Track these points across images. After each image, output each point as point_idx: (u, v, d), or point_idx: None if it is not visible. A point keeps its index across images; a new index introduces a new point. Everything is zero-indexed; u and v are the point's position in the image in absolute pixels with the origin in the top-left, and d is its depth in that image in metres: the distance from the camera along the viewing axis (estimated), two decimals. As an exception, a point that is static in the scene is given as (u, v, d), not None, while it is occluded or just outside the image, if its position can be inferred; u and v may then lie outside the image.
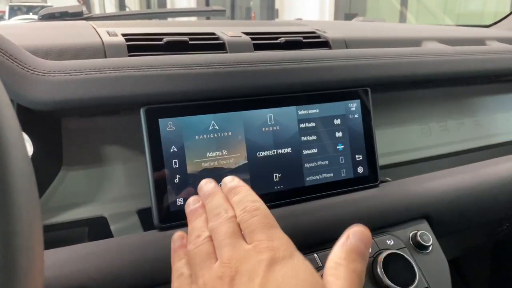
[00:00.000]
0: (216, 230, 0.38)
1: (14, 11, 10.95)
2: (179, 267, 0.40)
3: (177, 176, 0.51)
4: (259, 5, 8.02)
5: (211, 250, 0.37)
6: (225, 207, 0.40)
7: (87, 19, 0.88)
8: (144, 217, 0.57)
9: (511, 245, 1.05)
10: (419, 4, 6.18)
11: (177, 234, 0.43)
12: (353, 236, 0.36)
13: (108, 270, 0.45)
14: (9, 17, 10.08)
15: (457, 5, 5.96)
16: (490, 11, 5.27)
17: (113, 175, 0.58)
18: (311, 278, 0.33)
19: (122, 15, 0.91)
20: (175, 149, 0.51)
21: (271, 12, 7.87)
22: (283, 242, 0.35)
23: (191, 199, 0.44)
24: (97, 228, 0.56)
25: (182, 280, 0.38)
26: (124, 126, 0.57)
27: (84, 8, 0.93)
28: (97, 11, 10.82)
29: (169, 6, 10.79)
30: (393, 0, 6.34)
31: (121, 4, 10.20)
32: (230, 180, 0.43)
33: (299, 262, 0.34)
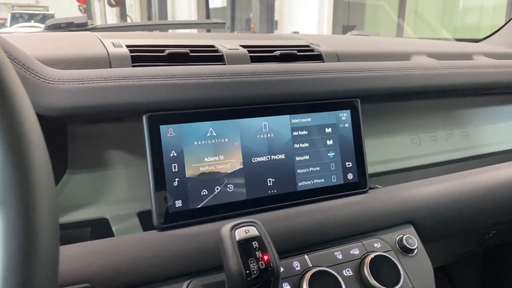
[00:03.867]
0: None
1: (16, 18, 11.03)
2: None
3: (176, 179, 0.54)
4: (259, 17, 8.10)
5: None
6: None
7: (91, 30, 0.91)
8: (144, 219, 0.60)
9: (500, 252, 1.08)
10: (416, 17, 6.26)
11: None
12: None
13: (109, 267, 0.48)
14: (11, 24, 10.15)
15: (454, 18, 6.03)
16: (487, 24, 5.34)
17: (116, 179, 0.61)
18: None
19: (125, 26, 0.95)
20: (175, 154, 0.54)
21: (270, 24, 7.95)
22: None
23: None
24: (100, 229, 0.59)
25: None
26: (127, 132, 0.60)
27: (88, 20, 0.96)
28: (98, 20, 10.91)
29: (170, 17, 10.88)
30: (391, 13, 6.41)
31: (122, 14, 10.29)
32: None
33: None
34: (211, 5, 10.27)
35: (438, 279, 1.26)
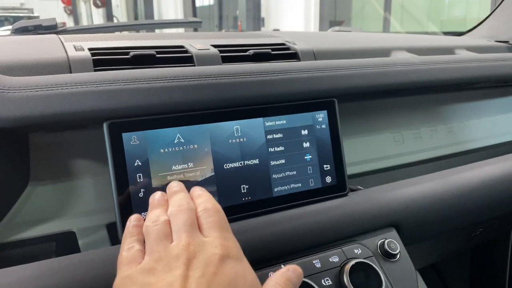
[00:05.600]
0: (176, 215, 0.41)
1: (1, 21, 10.86)
2: (130, 241, 0.41)
3: (142, 190, 0.51)
4: (245, 15, 8.06)
5: (169, 231, 0.40)
6: (188, 200, 0.43)
7: (60, 32, 0.87)
8: (113, 231, 0.57)
9: (488, 248, 1.06)
10: (403, 11, 6.27)
11: (134, 215, 0.45)
12: (292, 270, 0.42)
13: (70, 286, 0.45)
14: (-4, 28, 10.00)
15: (440, 11, 6.06)
16: (473, 17, 5.37)
17: (82, 189, 0.57)
18: (256, 283, 0.38)
19: (97, 28, 0.91)
20: (140, 163, 0.51)
21: (257, 21, 7.92)
22: (235, 245, 0.40)
23: (158, 192, 0.46)
24: (65, 243, 0.56)
25: (133, 252, 0.40)
26: (92, 140, 0.57)
27: (58, 21, 0.93)
28: (84, 21, 10.78)
29: (156, 17, 10.79)
30: (377, 8, 6.42)
31: (109, 15, 10.17)
32: (198, 189, 0.47)
33: (248, 267, 0.39)
34: (198, 4, 10.20)
35: (428, 277, 1.25)
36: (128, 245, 0.41)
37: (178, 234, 0.39)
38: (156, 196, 0.45)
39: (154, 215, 0.42)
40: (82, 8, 11.11)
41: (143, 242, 0.41)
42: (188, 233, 0.38)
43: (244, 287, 0.36)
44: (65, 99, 0.48)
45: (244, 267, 0.38)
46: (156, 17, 10.77)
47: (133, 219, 0.44)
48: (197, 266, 0.35)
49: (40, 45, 0.62)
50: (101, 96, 0.49)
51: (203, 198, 0.44)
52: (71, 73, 0.56)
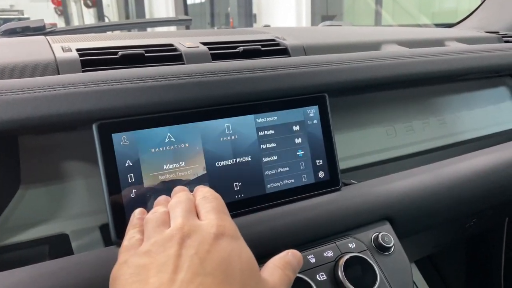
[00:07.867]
0: (174, 206, 0.41)
1: (-9, 24, 10.75)
2: (132, 232, 0.41)
3: (134, 190, 0.51)
4: (237, 11, 8.04)
5: (166, 220, 0.40)
6: (188, 195, 0.43)
7: (49, 33, 0.87)
8: (107, 232, 0.57)
9: (483, 238, 1.07)
10: (395, 4, 6.28)
11: (139, 208, 0.45)
12: (292, 254, 0.43)
13: None
14: (-15, 31, 9.89)
15: (432, 4, 6.07)
16: (464, 9, 5.39)
17: (75, 191, 0.57)
18: (252, 263, 0.37)
19: (86, 28, 0.90)
20: (130, 163, 0.51)
21: (248, 18, 7.90)
22: (232, 225, 0.40)
23: (163, 196, 0.46)
24: (59, 246, 0.56)
25: (134, 241, 0.40)
26: (83, 142, 0.57)
27: (49, 22, 0.92)
28: (76, 22, 10.71)
29: (147, 16, 10.74)
30: (369, 1, 6.42)
31: (100, 15, 10.12)
32: (199, 186, 0.47)
33: (244, 246, 0.39)
34: (189, 1, 10.16)
35: (425, 269, 1.26)
36: (130, 235, 0.41)
37: (174, 220, 0.39)
38: (161, 198, 0.46)
39: (155, 209, 0.42)
40: (73, 8, 11.04)
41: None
42: (184, 217, 0.38)
43: (238, 265, 0.35)
44: (52, 101, 0.47)
45: (240, 245, 0.38)
46: (147, 16, 10.72)
47: (137, 212, 0.44)
48: (190, 244, 0.35)
49: (27, 47, 0.62)
50: (89, 97, 0.49)
51: (203, 190, 0.44)
52: (59, 74, 0.56)
